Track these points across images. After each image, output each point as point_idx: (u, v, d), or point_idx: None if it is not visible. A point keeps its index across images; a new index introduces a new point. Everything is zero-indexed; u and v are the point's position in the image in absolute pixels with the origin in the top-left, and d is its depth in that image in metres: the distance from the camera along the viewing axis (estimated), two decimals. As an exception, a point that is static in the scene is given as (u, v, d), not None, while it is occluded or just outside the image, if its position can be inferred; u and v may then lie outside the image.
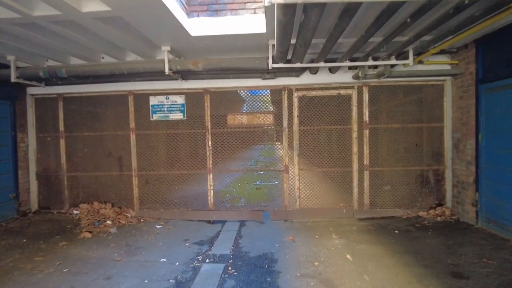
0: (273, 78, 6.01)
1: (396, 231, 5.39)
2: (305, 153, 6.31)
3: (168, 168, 6.62)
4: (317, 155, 6.29)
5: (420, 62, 5.70)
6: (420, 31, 4.09)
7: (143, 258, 4.61)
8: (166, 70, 5.34)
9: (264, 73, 5.86)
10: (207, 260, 4.52)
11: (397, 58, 5.15)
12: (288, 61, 5.19)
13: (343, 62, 5.09)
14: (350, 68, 6.09)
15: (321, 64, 5.03)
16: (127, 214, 6.53)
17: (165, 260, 4.54)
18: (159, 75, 5.80)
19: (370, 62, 5.09)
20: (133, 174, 6.58)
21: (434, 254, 4.38)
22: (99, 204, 6.59)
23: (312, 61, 5.27)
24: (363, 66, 5.60)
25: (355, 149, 6.22)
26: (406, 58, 5.12)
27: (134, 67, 5.50)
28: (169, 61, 5.38)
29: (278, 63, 5.01)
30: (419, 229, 5.44)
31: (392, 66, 5.53)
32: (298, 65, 5.00)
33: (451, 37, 4.73)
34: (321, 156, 6.31)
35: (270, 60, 5.01)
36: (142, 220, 6.43)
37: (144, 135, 6.61)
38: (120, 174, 6.71)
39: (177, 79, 6.03)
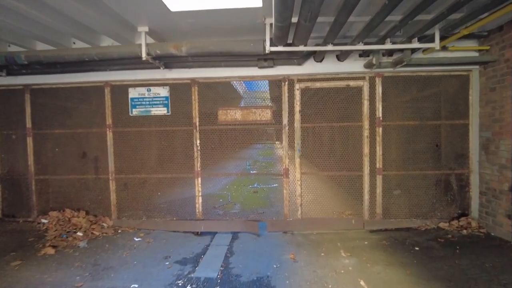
0: (272, 67, 5.14)
1: (417, 248, 4.54)
2: (308, 154, 5.45)
3: (150, 171, 5.76)
4: (322, 156, 5.43)
5: (444, 48, 4.83)
6: (449, 7, 3.22)
7: (110, 283, 3.76)
8: (143, 55, 4.48)
9: (261, 59, 4.99)
10: (188, 287, 3.66)
11: (419, 42, 4.27)
12: (289, 45, 4.31)
13: (355, 45, 4.21)
14: (361, 55, 5.23)
15: (329, 47, 4.17)
16: (103, 224, 5.67)
17: (136, 286, 3.69)
18: (137, 62, 4.94)
19: (389, 46, 4.24)
20: (110, 178, 5.71)
21: (470, 282, 3.52)
22: (72, 211, 5.73)
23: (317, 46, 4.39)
24: (377, 52, 4.74)
25: (366, 149, 5.36)
26: (429, 42, 4.25)
27: (106, 53, 4.64)
28: (147, 45, 4.52)
29: (277, 45, 4.13)
30: (443, 246, 4.59)
31: (413, 51, 4.65)
32: (301, 48, 4.14)
33: (486, 14, 3.86)
34: (326, 158, 5.45)
35: (268, 43, 4.15)
36: (119, 231, 5.57)
37: (123, 133, 5.75)
38: (96, 178, 5.85)
39: (160, 68, 5.15)
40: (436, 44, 4.13)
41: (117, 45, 4.89)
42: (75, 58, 4.70)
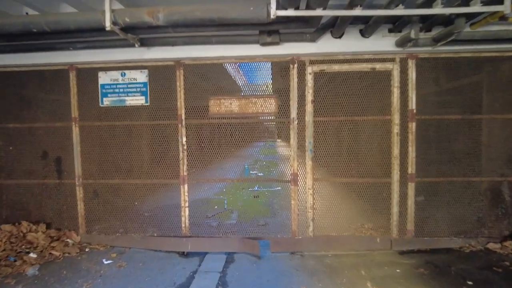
0: (277, 43, 4.01)
1: (469, 282, 3.42)
2: (322, 156, 4.34)
3: (125, 176, 4.66)
4: (340, 159, 4.32)
5: (503, 18, 3.66)
6: None
7: None
8: (108, 24, 3.35)
9: (264, 33, 3.85)
10: None
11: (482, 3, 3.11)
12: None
13: (391, 9, 3.06)
14: (391, 30, 4.07)
15: (356, 11, 3.03)
16: (67, 240, 4.59)
17: None
18: (106, 36, 3.80)
19: (439, 10, 3.08)
20: (77, 183, 4.61)
21: None
22: (29, 225, 4.63)
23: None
24: (416, 24, 3.57)
25: (395, 150, 4.23)
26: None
27: (60, 21, 3.52)
28: (112, 11, 3.37)
29: (286, 9, 2.99)
30: (505, 279, 3.46)
31: (467, 19, 3.49)
32: (319, 12, 2.99)
33: None
34: (345, 160, 4.33)
35: (274, 5, 2.99)
36: (87, 250, 4.49)
37: (92, 128, 4.65)
38: (59, 183, 4.76)
39: (135, 45, 4.00)
40: (507, 6, 2.97)
41: (73, 12, 3.76)
42: (19, 29, 3.59)
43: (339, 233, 4.46)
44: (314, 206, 4.34)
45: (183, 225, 4.55)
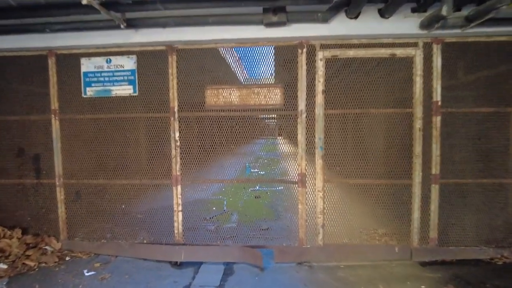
0: (284, 24, 3.48)
1: (511, 303, 2.88)
2: (334, 154, 3.80)
3: (111, 175, 4.14)
4: (354, 157, 3.78)
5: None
6: None
7: None
8: (83, -5, 2.79)
9: (269, 12, 3.30)
10: None
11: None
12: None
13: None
14: (414, 9, 3.52)
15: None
16: (46, 247, 4.08)
17: None
18: (83, 12, 3.25)
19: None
20: (57, 183, 4.10)
21: None
22: (3, 230, 4.10)
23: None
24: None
25: (417, 148, 3.71)
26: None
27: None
28: (89, -21, 2.83)
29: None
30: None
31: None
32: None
33: None
34: (360, 159, 3.80)
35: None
36: (68, 258, 3.99)
37: (74, 122, 4.13)
38: (37, 183, 4.24)
39: (120, 26, 3.46)
40: None
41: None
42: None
43: (353, 241, 3.94)
44: (325, 210, 3.82)
45: (176, 231, 4.03)
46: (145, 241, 4.13)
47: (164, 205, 4.24)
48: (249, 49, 3.91)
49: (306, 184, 3.82)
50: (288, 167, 4.08)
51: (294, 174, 3.91)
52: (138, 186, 4.10)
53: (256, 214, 5.97)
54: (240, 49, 4.01)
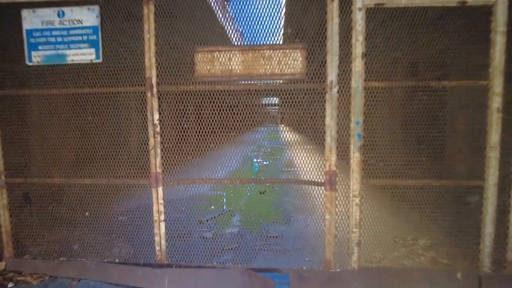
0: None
1: None
2: (377, 144, 2.70)
3: (70, 173, 3.04)
4: (404, 149, 2.67)
5: None
6: None
7: None
8: None
9: None
10: None
11: None
12: None
13: None
14: None
15: None
16: (-15, 268, 3.02)
17: None
18: None
19: None
20: (-1, 183, 3.02)
21: None
22: None
23: None
24: None
25: (494, 136, 2.63)
26: None
27: None
28: None
29: None
30: None
31: None
32: None
33: None
34: (412, 152, 2.68)
35: None
36: (11, 285, 2.93)
37: (16, 100, 2.99)
38: (-26, 182, 3.14)
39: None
40: None
41: None
42: None
43: (399, 263, 2.89)
44: (361, 223, 2.74)
45: (157, 248, 2.98)
46: (117, 260, 3.09)
47: (142, 212, 3.19)
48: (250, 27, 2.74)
49: (337, 187, 2.73)
50: (304, 160, 2.98)
51: (319, 174, 2.82)
52: (106, 187, 3.02)
53: (261, 214, 4.94)
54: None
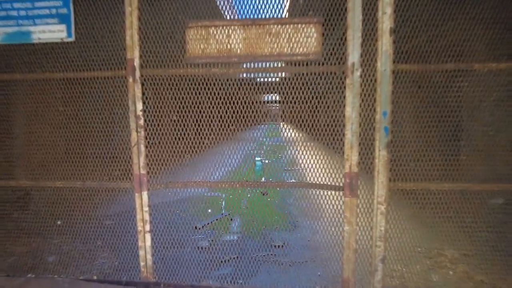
0: None
1: None
2: (407, 140, 2.19)
3: (36, 174, 2.55)
4: (440, 146, 2.18)
5: None
6: None
7: None
8: None
9: None
10: None
11: None
12: None
13: None
14: None
15: None
16: None
17: None
18: None
19: None
20: (-44, 186, 2.53)
21: None
22: None
23: None
24: None
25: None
26: None
27: None
28: None
29: None
30: None
31: None
32: None
33: None
34: (451, 149, 2.19)
35: None
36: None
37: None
38: None
39: None
40: None
41: None
42: None
43: (424, 279, 2.43)
44: (387, 235, 2.27)
45: (142, 263, 2.50)
46: (95, 277, 2.62)
47: (125, 220, 2.72)
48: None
49: (358, 192, 2.25)
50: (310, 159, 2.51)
51: (336, 177, 2.35)
52: (80, 191, 2.54)
53: (264, 219, 4.48)
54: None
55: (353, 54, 2.18)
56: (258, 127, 3.85)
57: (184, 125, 2.36)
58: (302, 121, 2.69)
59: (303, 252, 3.45)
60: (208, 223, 4.34)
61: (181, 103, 2.30)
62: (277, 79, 2.45)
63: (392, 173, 2.23)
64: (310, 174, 2.54)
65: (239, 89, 2.26)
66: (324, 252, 3.32)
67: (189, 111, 2.36)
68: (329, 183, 2.36)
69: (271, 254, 3.40)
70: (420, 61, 2.16)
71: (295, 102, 2.42)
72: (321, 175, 2.52)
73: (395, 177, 2.23)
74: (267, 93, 2.90)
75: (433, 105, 2.23)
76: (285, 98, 2.40)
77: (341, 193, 2.30)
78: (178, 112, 2.38)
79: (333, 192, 2.39)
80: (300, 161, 2.49)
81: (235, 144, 2.89)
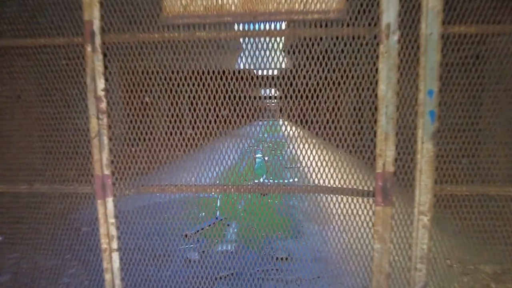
0: None
1: None
2: (460, 129, 1.60)
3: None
4: (505, 138, 1.60)
5: None
6: None
7: None
8: None
9: None
10: None
11: None
12: None
13: None
14: None
15: None
16: None
17: None
18: None
19: None
20: None
21: None
22: None
23: None
24: None
25: None
26: None
27: None
28: None
29: None
30: None
31: None
32: None
33: None
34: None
35: None
36: None
37: None
38: None
39: None
40: None
41: None
42: None
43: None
44: (430, 253, 1.71)
45: (108, 286, 1.92)
46: (49, 307, 2.05)
47: (83, 241, 2.15)
48: None
49: (393, 200, 1.69)
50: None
51: (367, 180, 1.78)
52: (21, 197, 1.95)
53: (264, 224, 3.92)
54: None
55: (389, 12, 1.61)
56: (256, 123, 3.28)
57: (161, 109, 1.78)
58: (305, 114, 2.11)
59: (312, 266, 2.89)
60: (199, 230, 3.78)
61: (156, 79, 1.72)
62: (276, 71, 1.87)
63: (439, 173, 1.67)
64: (314, 173, 1.98)
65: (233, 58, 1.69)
66: (337, 266, 2.77)
67: (167, 90, 1.78)
68: (354, 187, 1.80)
69: (274, 269, 2.85)
70: (481, 21, 1.60)
71: (298, 91, 1.86)
72: (329, 175, 1.95)
73: (442, 178, 1.67)
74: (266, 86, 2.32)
75: (496, 81, 1.67)
76: (287, 89, 1.84)
77: (370, 199, 1.74)
78: (153, 92, 1.80)
79: (358, 199, 1.82)
80: (302, 158, 1.95)
81: (229, 140, 2.32)
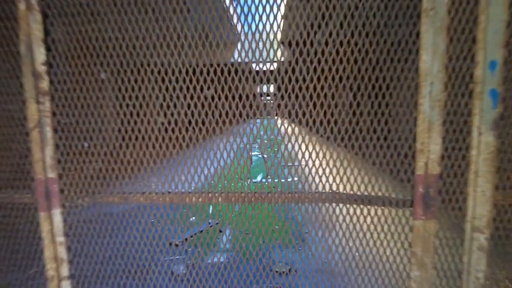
0: None
1: None
2: None
3: None
4: None
5: None
6: None
7: None
8: None
9: None
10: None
11: None
12: None
13: None
14: None
15: None
16: None
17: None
18: None
19: None
20: None
21: None
22: None
23: None
24: None
25: None
26: None
27: None
28: None
29: None
30: None
31: None
32: None
33: None
34: None
35: None
36: None
37: None
38: None
39: None
40: None
41: None
42: None
43: None
44: (489, 284, 1.26)
45: (61, 329, 1.46)
46: None
47: (16, 266, 1.69)
48: None
49: (434, 210, 1.24)
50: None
51: (405, 192, 1.34)
52: None
53: (262, 230, 3.46)
54: None
55: (436, -47, 1.16)
56: (251, 120, 2.83)
57: (122, 90, 1.32)
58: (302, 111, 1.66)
59: (316, 279, 2.45)
60: (189, 237, 3.32)
61: (116, 48, 1.26)
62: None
63: (500, 176, 1.23)
64: (312, 169, 1.55)
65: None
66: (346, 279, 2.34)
67: (130, 63, 1.32)
68: (385, 195, 1.35)
69: (274, 286, 2.41)
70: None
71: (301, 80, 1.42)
72: (334, 174, 1.51)
73: (506, 183, 1.23)
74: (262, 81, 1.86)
75: None
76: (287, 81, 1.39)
77: (407, 210, 1.29)
78: (111, 66, 1.34)
79: (389, 209, 1.38)
80: (301, 156, 1.54)
81: (222, 138, 1.86)
